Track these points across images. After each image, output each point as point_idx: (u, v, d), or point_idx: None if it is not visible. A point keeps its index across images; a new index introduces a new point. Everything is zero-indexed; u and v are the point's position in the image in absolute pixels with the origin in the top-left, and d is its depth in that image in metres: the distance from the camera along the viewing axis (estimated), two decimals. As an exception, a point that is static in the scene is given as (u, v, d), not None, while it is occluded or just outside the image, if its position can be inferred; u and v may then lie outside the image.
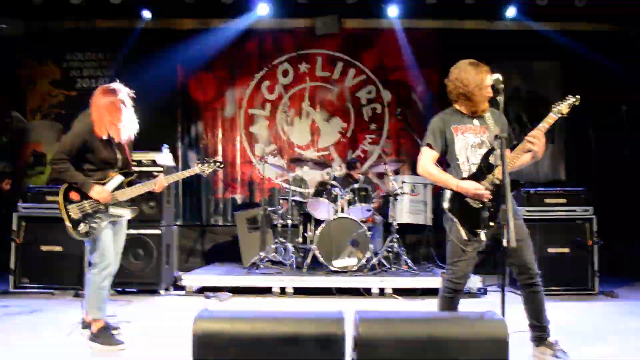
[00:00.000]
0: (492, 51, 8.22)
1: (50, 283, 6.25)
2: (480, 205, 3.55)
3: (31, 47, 8.51)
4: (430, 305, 5.62)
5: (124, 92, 4.17)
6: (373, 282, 6.23)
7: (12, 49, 8.37)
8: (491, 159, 3.60)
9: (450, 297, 3.70)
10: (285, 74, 8.73)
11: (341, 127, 8.69)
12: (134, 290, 6.32)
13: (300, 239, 7.32)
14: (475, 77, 3.63)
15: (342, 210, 6.73)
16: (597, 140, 8.55)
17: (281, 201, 7.49)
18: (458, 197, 3.62)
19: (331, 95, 8.72)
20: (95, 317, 4.11)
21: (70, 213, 4.09)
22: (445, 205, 3.67)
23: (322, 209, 6.90)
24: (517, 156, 3.60)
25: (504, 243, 3.05)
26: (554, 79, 8.72)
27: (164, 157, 6.41)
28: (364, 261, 6.47)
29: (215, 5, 7.83)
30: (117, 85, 4.19)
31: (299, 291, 6.26)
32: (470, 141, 3.70)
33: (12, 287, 6.26)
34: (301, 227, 7.43)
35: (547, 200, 6.39)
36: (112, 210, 4.16)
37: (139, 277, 6.24)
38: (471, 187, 3.54)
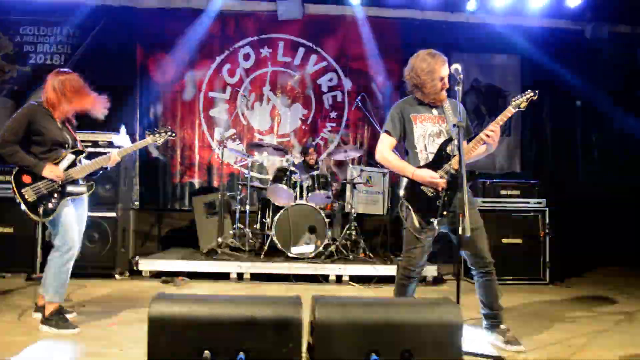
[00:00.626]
0: (453, 43, 8.33)
1: (1, 266, 6.10)
2: (435, 193, 3.61)
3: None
4: (386, 292, 5.69)
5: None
6: (330, 269, 6.28)
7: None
8: (448, 149, 3.65)
9: (406, 284, 3.75)
10: (246, 57, 8.64)
11: (302, 113, 8.66)
12: (89, 274, 6.20)
13: (259, 225, 7.29)
14: (429, 68, 3.67)
15: (301, 197, 6.74)
16: (552, 134, 8.76)
17: (240, 186, 7.43)
18: (414, 185, 3.66)
19: (292, 81, 8.67)
20: (51, 300, 4.03)
21: (25, 196, 4.01)
22: (402, 192, 3.72)
23: (281, 195, 6.88)
24: (474, 147, 3.67)
25: (459, 232, 3.10)
26: (512, 72, 8.87)
27: (122, 138, 6.30)
28: (321, 248, 6.50)
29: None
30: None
31: (257, 277, 6.26)
32: (429, 130, 3.75)
33: (-39, 270, 6.08)
34: (260, 213, 7.40)
35: (502, 192, 6.54)
36: (69, 188, 4.13)
37: (94, 260, 6.13)
38: (426, 175, 3.60)
